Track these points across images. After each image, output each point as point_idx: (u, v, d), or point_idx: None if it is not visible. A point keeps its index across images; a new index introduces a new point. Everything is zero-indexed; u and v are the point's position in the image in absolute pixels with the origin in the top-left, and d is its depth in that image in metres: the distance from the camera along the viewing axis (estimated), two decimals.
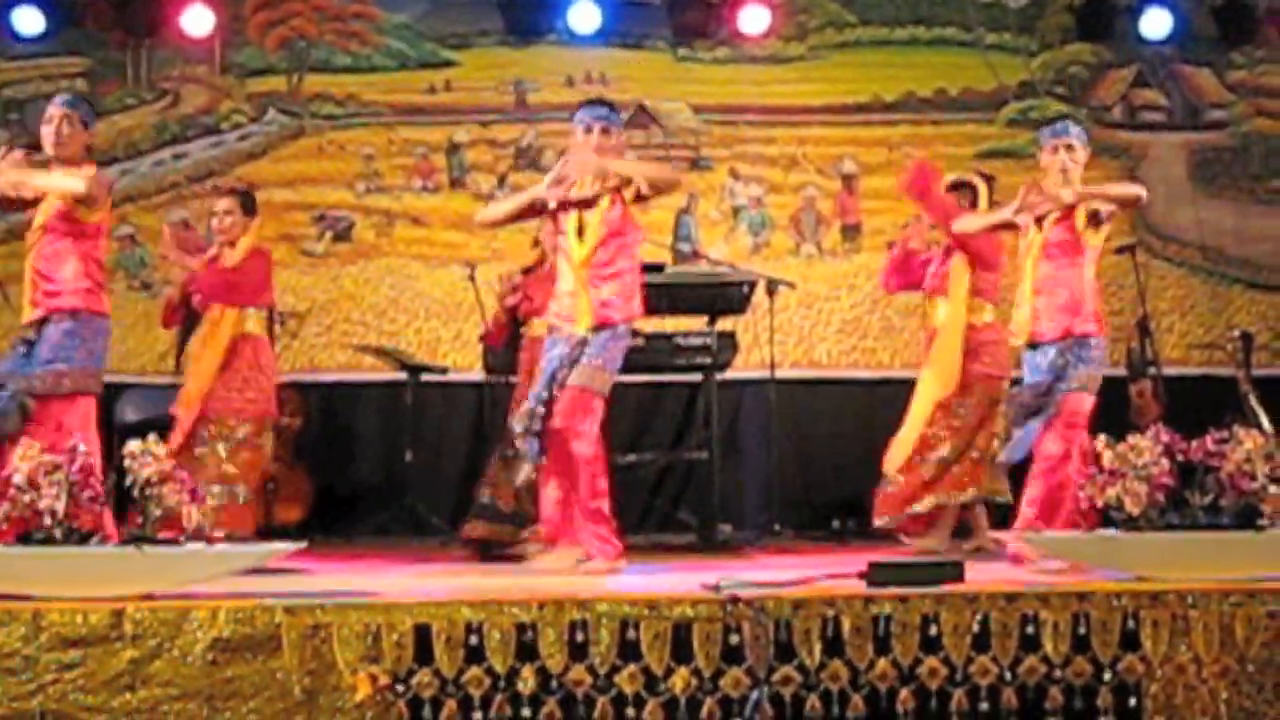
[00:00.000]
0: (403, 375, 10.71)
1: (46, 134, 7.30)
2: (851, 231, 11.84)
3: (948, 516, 8.59)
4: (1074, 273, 7.45)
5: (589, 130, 7.37)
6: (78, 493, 5.64)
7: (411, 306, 11.66)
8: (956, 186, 8.76)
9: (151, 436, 5.89)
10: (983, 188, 8.79)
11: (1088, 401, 7.38)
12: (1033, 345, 7.51)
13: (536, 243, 8.98)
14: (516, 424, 7.33)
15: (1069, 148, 7.49)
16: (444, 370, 11.07)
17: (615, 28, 11.79)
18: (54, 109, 7.34)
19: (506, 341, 9.09)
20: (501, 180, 11.81)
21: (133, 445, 5.80)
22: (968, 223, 8.23)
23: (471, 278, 9.97)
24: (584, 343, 7.20)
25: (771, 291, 9.93)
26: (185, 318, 8.50)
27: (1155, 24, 11.68)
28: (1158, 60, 11.99)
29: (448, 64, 11.95)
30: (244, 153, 11.80)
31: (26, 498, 5.61)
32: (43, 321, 7.20)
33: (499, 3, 11.73)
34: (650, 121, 11.87)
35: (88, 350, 7.21)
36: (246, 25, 11.85)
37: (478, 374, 10.36)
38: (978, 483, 8.49)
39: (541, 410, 7.22)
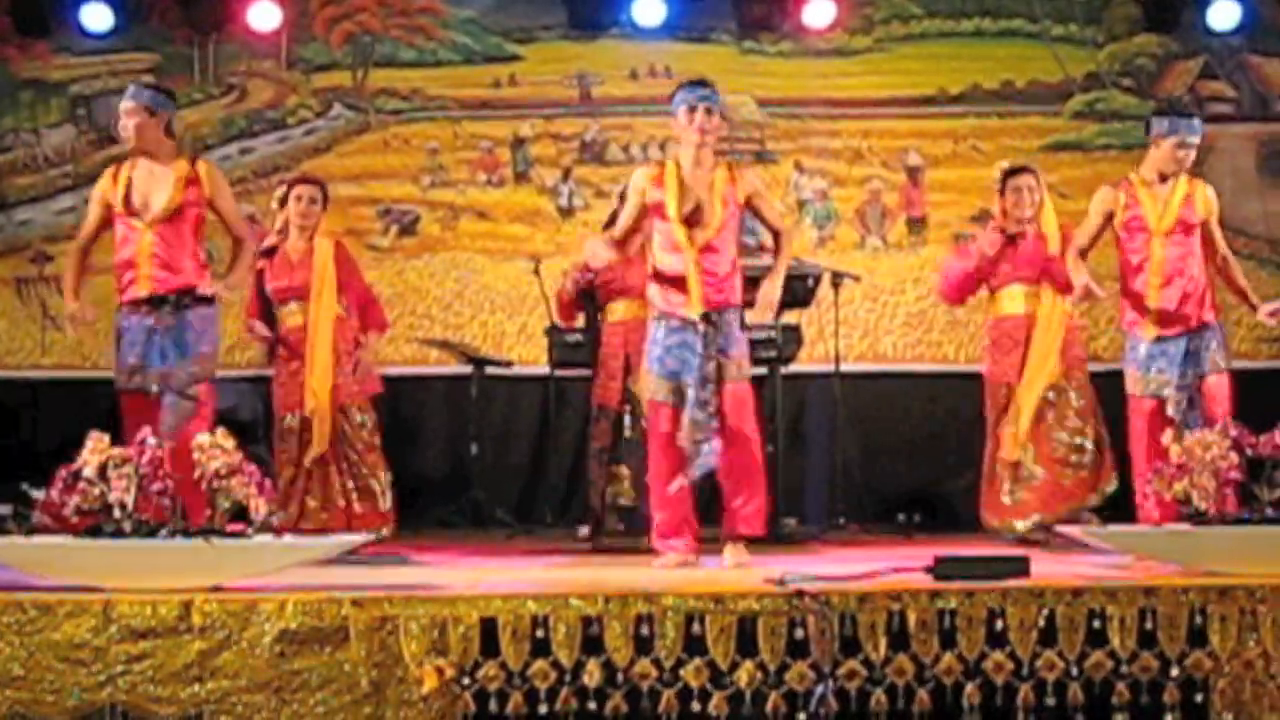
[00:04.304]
0: (468, 369, 10.73)
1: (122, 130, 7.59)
2: (917, 224, 11.80)
3: None
4: (1196, 262, 7.81)
5: (692, 110, 7.39)
6: (147, 485, 5.69)
7: (476, 300, 11.69)
8: (1015, 172, 8.82)
9: (220, 429, 5.94)
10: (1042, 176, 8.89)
11: (1226, 384, 7.68)
12: (1161, 337, 7.75)
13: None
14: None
15: (1185, 144, 7.80)
16: (509, 364, 11.07)
17: (679, 21, 11.76)
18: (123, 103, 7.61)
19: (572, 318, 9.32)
20: (566, 174, 11.83)
21: (202, 438, 5.85)
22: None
23: (536, 271, 9.98)
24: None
25: (836, 285, 9.90)
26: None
27: (1223, 15, 11.59)
28: (1225, 51, 11.88)
29: (512, 58, 11.96)
30: (310, 147, 11.86)
31: (96, 490, 5.66)
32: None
33: None
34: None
35: None
36: (312, 20, 11.90)
37: (543, 367, 10.38)
38: None
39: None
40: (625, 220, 7.59)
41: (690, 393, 7.21)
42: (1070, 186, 10.98)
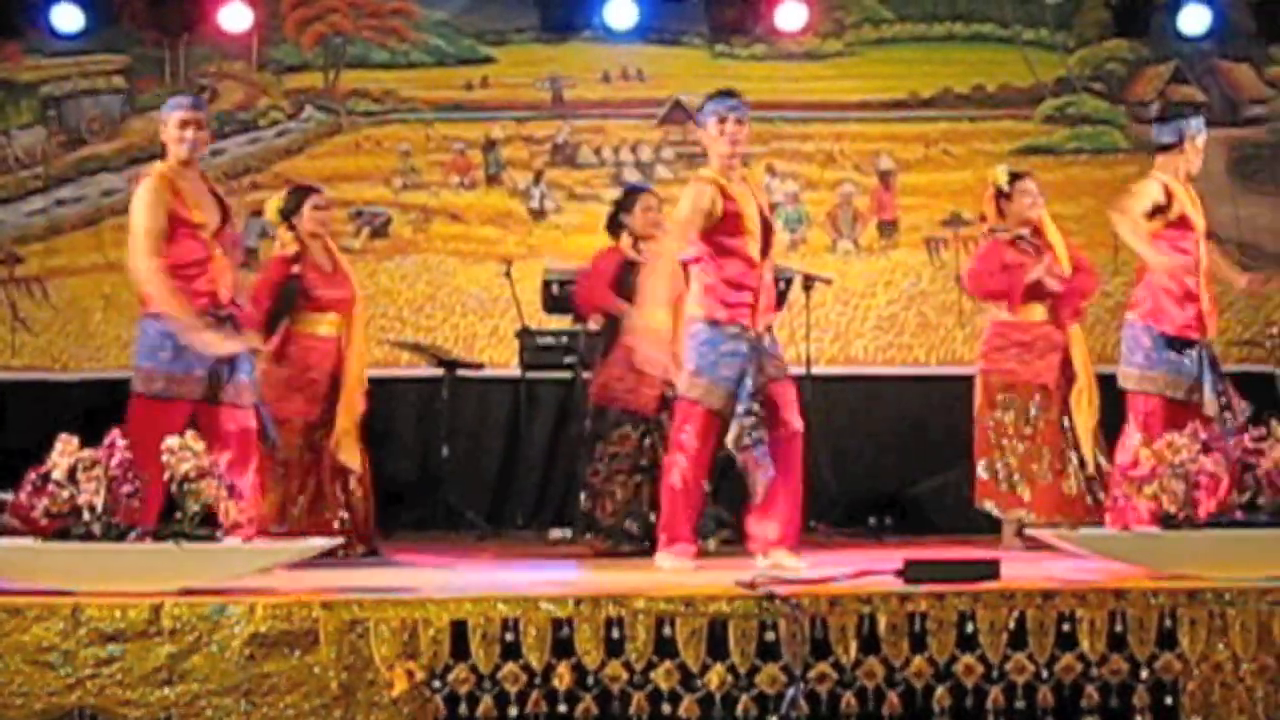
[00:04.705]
0: (439, 371, 10.71)
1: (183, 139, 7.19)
2: (888, 228, 11.82)
3: None
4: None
5: (723, 120, 7.35)
6: (116, 488, 5.67)
7: (448, 302, 11.67)
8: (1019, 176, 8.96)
9: (190, 432, 5.92)
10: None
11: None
12: (1190, 342, 7.94)
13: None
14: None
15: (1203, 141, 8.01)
16: (480, 366, 11.06)
17: (652, 24, 11.76)
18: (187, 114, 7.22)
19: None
20: (538, 177, 11.82)
21: (171, 441, 5.83)
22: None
23: (508, 274, 9.98)
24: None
25: (808, 287, 9.93)
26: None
27: (1193, 20, 11.61)
28: (1196, 56, 11.93)
29: (485, 60, 11.94)
30: (281, 149, 11.83)
31: (65, 493, 5.64)
32: None
33: None
34: (687, 118, 11.84)
35: None
36: (284, 22, 11.87)
37: (514, 370, 10.37)
38: None
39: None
40: (695, 228, 7.36)
41: (740, 402, 7.21)
42: (1041, 190, 10.99)
